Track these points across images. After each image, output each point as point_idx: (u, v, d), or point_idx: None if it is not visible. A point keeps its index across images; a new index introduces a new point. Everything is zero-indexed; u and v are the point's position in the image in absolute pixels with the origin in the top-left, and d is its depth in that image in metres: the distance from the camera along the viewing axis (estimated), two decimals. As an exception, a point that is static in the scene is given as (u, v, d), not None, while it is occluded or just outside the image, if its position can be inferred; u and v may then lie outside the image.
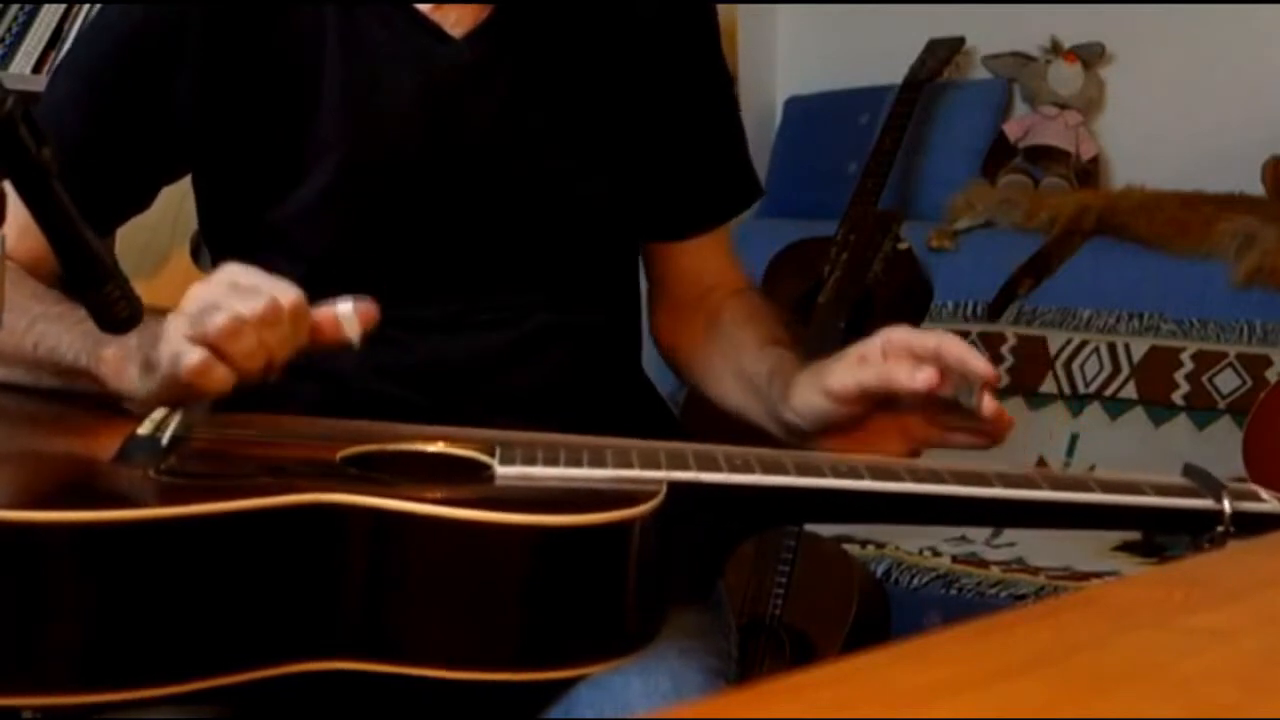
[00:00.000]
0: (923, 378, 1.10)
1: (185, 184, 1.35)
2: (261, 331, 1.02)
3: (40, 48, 2.68)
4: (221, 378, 1.03)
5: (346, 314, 1.07)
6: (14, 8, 2.69)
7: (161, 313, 1.06)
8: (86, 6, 2.71)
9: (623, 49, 1.33)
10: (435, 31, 1.28)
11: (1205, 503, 1.07)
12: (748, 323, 1.37)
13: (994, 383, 1.10)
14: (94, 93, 1.29)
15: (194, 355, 1.02)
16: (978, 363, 1.11)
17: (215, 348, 1.02)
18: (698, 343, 1.39)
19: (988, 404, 1.09)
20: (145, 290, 1.02)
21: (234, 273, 1.06)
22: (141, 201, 1.34)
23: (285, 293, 1.04)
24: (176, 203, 1.37)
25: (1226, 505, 1.06)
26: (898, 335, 1.15)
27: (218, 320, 1.01)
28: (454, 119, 1.27)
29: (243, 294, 1.03)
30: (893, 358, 1.14)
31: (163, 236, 2.15)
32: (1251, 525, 1.06)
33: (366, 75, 1.27)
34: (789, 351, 1.28)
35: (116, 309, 0.97)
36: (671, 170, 1.37)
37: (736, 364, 1.33)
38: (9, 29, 2.69)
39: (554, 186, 1.30)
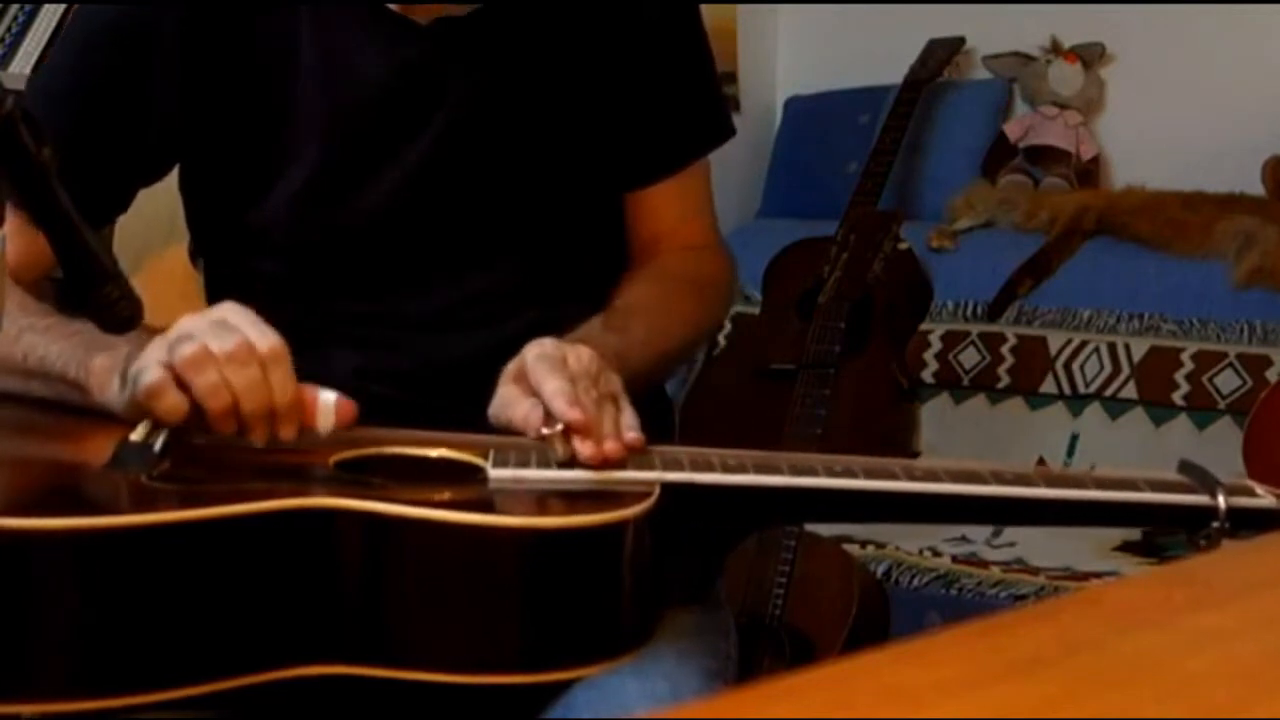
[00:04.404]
0: (530, 426, 1.06)
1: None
2: (226, 368, 1.02)
3: (40, 48, 2.67)
4: (175, 404, 1.02)
5: (325, 404, 1.05)
6: (14, 8, 2.69)
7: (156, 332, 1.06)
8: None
9: (585, 9, 1.33)
10: (403, 21, 1.28)
11: (1201, 499, 1.07)
12: (632, 283, 1.33)
13: (577, 426, 1.02)
14: (71, 92, 1.29)
15: (152, 375, 1.02)
16: (560, 405, 1.03)
17: (178, 374, 1.02)
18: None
19: (578, 448, 1.02)
20: (143, 290, 1.02)
21: (226, 311, 1.06)
22: (121, 202, 1.34)
23: (263, 337, 1.03)
24: (173, 203, 1.37)
25: (1222, 501, 1.05)
26: (528, 357, 1.11)
27: (185, 348, 1.02)
28: (427, 106, 1.28)
29: (220, 330, 1.03)
30: (521, 384, 1.10)
31: (159, 237, 2.15)
32: (1247, 521, 1.06)
33: (340, 70, 1.27)
34: (603, 318, 1.23)
35: (117, 309, 0.97)
36: (637, 115, 1.36)
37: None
38: (9, 29, 2.68)
39: (532, 166, 1.31)
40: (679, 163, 1.41)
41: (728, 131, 1.44)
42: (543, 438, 1.04)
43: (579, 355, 1.11)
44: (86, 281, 0.96)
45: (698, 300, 1.37)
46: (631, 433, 1.06)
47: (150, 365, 1.03)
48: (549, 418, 1.05)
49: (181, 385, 1.02)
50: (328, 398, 1.06)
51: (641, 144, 1.38)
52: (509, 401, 1.10)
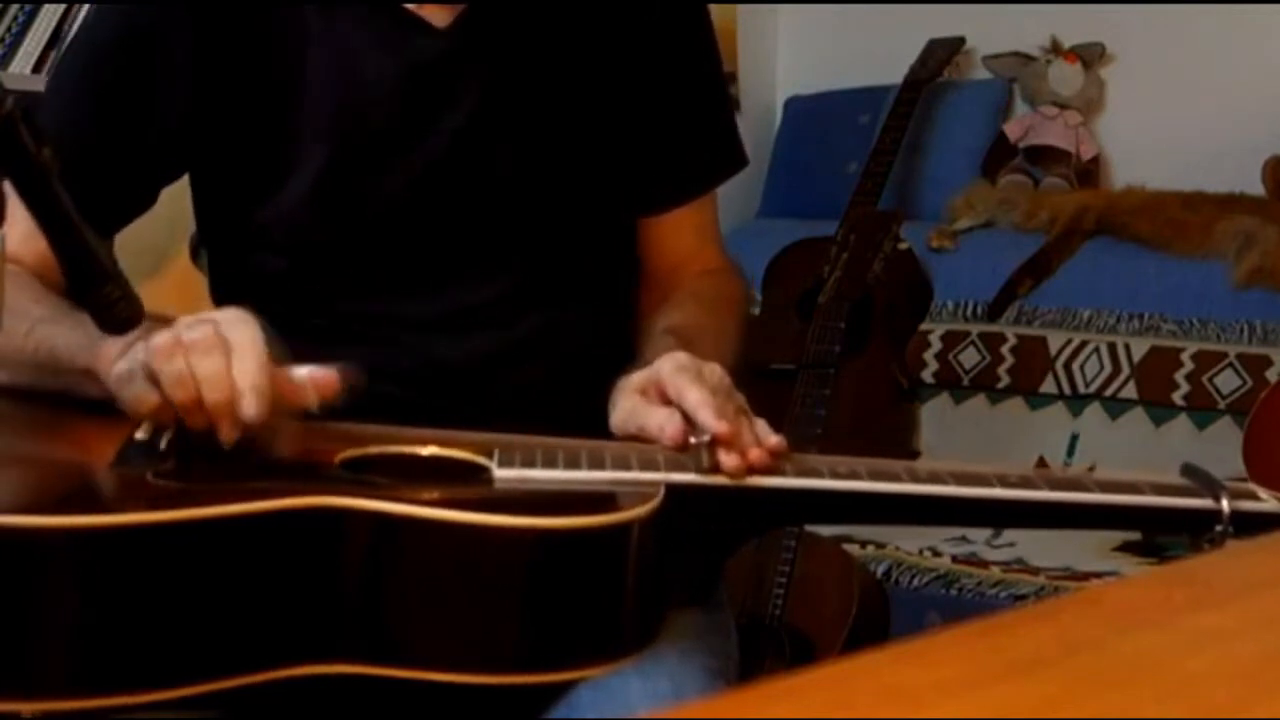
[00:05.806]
0: (668, 436, 1.07)
1: (183, 183, 1.35)
2: (191, 355, 1.00)
3: (40, 48, 2.67)
4: (139, 394, 1.02)
5: (300, 378, 1.03)
6: (14, 8, 2.69)
7: (167, 321, 1.06)
8: (86, 6, 2.70)
9: (602, 25, 1.33)
10: (416, 23, 1.28)
11: (1204, 502, 1.07)
12: (675, 306, 1.34)
13: (725, 438, 1.03)
14: (85, 96, 1.29)
15: (124, 362, 1.04)
16: (707, 416, 1.05)
17: (148, 363, 1.02)
18: (643, 320, 1.36)
19: (723, 460, 1.03)
20: (145, 290, 1.02)
21: (223, 310, 1.06)
22: (143, 203, 1.34)
23: (234, 329, 1.01)
24: (175, 202, 1.37)
25: (1225, 505, 1.05)
26: (665, 369, 1.11)
27: (161, 338, 1.02)
28: (438, 107, 1.28)
29: (199, 322, 1.02)
30: (650, 396, 1.12)
31: (161, 236, 2.15)
32: (1250, 525, 1.06)
33: (349, 70, 1.27)
34: (673, 340, 1.23)
35: (117, 309, 0.97)
36: (653, 141, 1.36)
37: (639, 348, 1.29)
38: (9, 29, 2.68)
39: (542, 172, 1.30)
40: (700, 189, 1.42)
41: (743, 160, 1.45)
42: (686, 448, 1.06)
43: (713, 370, 1.12)
44: (86, 281, 0.96)
45: (737, 320, 1.39)
46: (773, 438, 1.07)
47: (132, 355, 1.04)
48: (688, 428, 1.06)
49: (152, 376, 1.02)
50: (300, 373, 1.04)
51: (663, 169, 1.38)
52: (638, 411, 1.11)
